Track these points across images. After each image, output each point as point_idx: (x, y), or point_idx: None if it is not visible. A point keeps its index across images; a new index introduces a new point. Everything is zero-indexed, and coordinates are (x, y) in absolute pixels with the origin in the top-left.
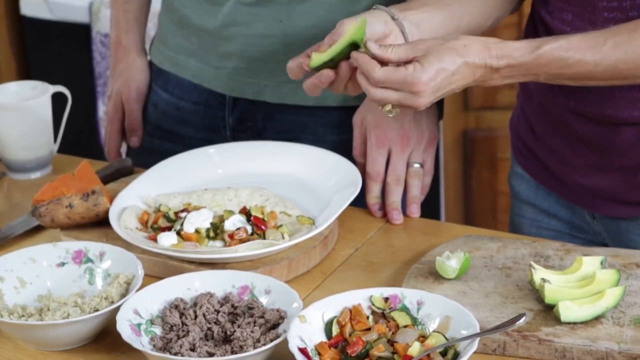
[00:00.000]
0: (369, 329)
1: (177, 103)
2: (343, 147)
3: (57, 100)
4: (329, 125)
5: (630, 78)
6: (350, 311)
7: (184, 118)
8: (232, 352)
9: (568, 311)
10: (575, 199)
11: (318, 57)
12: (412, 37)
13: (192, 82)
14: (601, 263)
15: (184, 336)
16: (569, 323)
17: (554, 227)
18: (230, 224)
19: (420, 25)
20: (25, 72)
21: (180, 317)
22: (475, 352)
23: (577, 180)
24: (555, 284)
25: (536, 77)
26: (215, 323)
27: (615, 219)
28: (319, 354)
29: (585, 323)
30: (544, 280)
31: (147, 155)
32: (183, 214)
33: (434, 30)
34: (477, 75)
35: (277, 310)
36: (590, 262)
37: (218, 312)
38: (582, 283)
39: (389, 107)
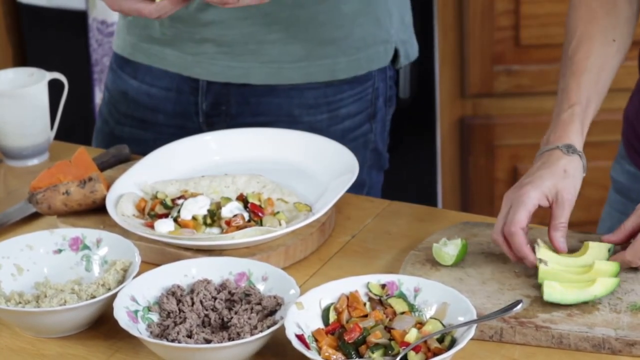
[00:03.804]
0: (366, 316)
1: (148, 90)
2: (319, 128)
3: (54, 87)
4: (305, 106)
5: None
6: (348, 298)
7: (155, 105)
8: (229, 339)
9: (551, 290)
10: None
11: None
12: None
13: (160, 68)
14: (609, 250)
15: (181, 323)
16: (566, 309)
17: None
18: (227, 211)
19: None
20: (22, 59)
21: (177, 304)
22: (472, 339)
23: None
24: (552, 266)
25: None
26: (212, 310)
27: None
28: (316, 340)
29: (582, 310)
30: (540, 260)
31: (115, 143)
32: (180, 201)
33: None
34: None
35: (274, 297)
36: (597, 247)
37: (215, 298)
38: (581, 270)
39: None
